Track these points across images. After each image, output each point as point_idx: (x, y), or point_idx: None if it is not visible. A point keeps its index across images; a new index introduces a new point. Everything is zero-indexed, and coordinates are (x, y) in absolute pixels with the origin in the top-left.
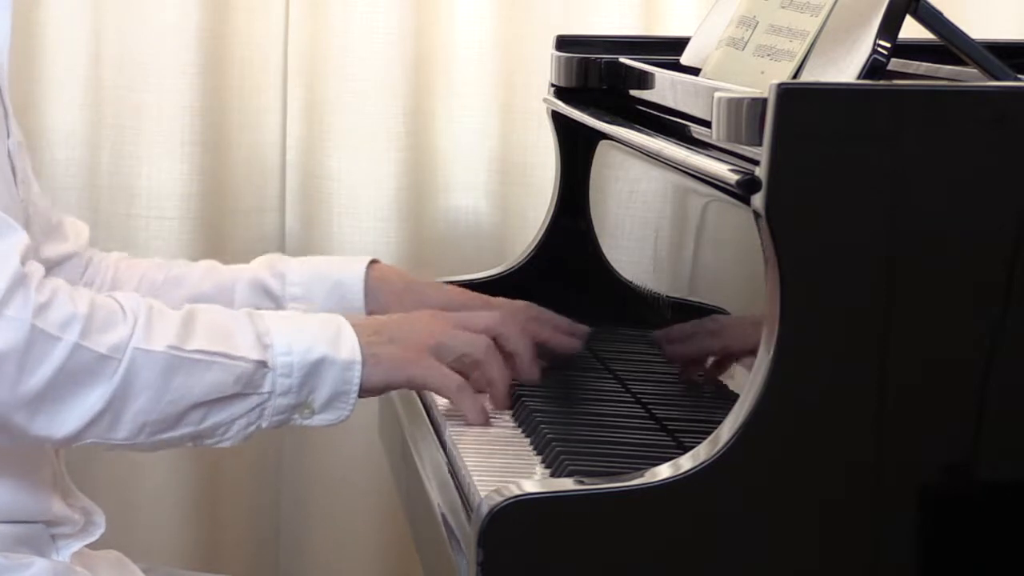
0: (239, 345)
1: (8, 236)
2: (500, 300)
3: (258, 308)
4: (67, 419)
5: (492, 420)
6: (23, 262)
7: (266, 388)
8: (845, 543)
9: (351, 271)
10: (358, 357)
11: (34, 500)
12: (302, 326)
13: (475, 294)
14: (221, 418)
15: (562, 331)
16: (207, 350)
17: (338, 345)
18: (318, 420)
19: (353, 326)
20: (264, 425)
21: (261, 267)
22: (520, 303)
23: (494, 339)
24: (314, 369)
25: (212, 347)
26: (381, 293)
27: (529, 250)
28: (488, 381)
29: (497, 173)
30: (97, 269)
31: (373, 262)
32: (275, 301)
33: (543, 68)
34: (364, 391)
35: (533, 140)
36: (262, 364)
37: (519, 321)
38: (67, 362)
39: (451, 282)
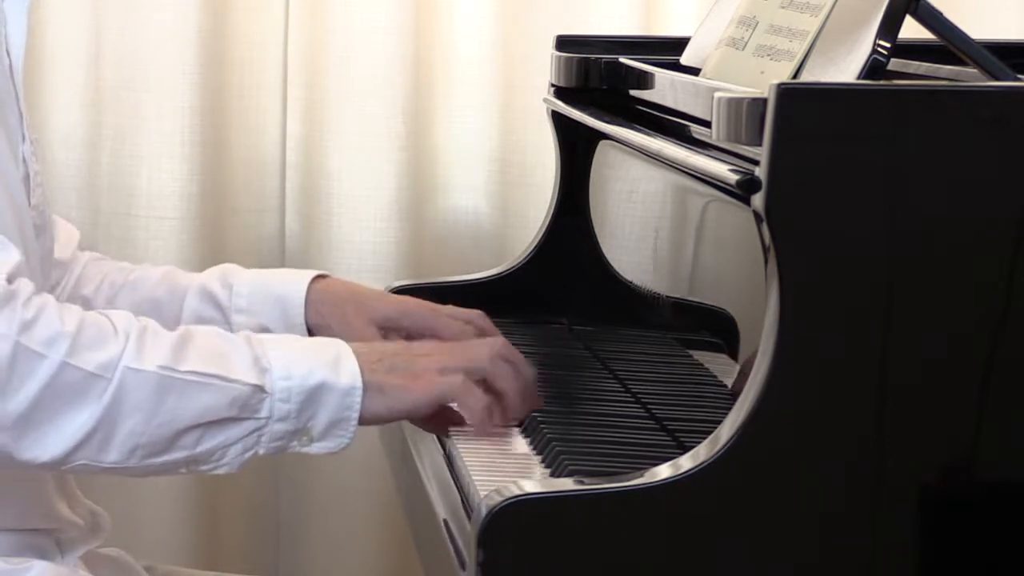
0: (235, 367)
1: None
2: (448, 308)
3: (204, 316)
4: (55, 440)
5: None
6: (11, 280)
7: (263, 413)
8: (845, 543)
9: (294, 284)
10: (358, 383)
11: (40, 508)
12: (301, 350)
13: (421, 301)
14: (216, 442)
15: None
16: (201, 371)
17: (338, 370)
18: (317, 448)
19: (355, 352)
20: (261, 452)
21: (213, 277)
22: (473, 312)
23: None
24: (313, 394)
25: (207, 368)
26: (323, 304)
27: (529, 250)
28: (499, 391)
29: (497, 173)
30: (65, 269)
31: (320, 276)
32: (221, 311)
33: (543, 68)
34: (365, 419)
35: (533, 140)
36: (259, 388)
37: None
38: (53, 380)
39: (451, 282)
